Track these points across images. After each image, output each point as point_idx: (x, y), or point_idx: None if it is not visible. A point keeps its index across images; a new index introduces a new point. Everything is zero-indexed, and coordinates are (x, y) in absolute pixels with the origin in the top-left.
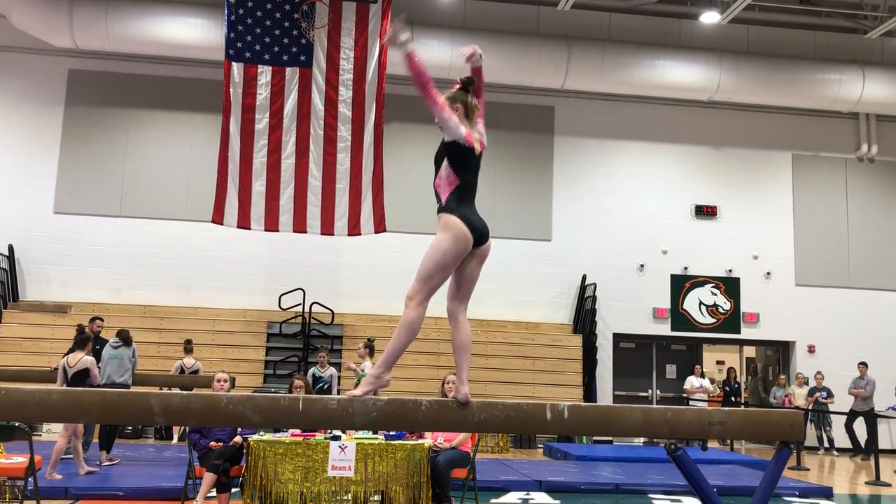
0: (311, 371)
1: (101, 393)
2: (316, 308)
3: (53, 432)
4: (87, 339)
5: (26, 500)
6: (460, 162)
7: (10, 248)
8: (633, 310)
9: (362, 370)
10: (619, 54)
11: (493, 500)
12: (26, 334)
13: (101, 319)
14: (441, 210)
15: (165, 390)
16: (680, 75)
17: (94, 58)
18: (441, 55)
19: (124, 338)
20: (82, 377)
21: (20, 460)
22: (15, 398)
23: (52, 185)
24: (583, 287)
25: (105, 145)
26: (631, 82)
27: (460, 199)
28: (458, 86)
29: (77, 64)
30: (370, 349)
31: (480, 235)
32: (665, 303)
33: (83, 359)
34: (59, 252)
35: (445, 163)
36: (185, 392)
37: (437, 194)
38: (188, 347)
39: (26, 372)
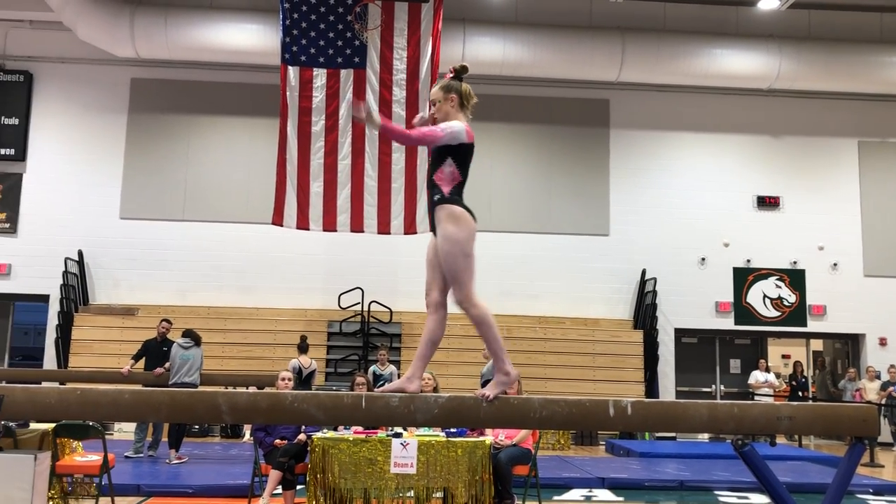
0: (371, 369)
1: (171, 393)
2: (374, 307)
3: (125, 431)
4: (308, 346)
5: (101, 497)
6: (464, 160)
7: (80, 254)
8: (694, 304)
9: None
10: (675, 44)
11: (555, 498)
12: (96, 336)
13: (169, 322)
14: (444, 201)
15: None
16: (738, 64)
17: (155, 66)
18: (493, 52)
19: (195, 338)
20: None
21: (95, 458)
22: (90, 398)
23: (117, 192)
24: (642, 282)
25: (167, 151)
26: (688, 72)
27: (460, 192)
28: (450, 74)
29: (139, 73)
30: None
31: None
32: (728, 296)
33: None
34: (125, 256)
35: (450, 161)
36: (251, 391)
37: (435, 186)
38: (303, 346)
39: (98, 373)
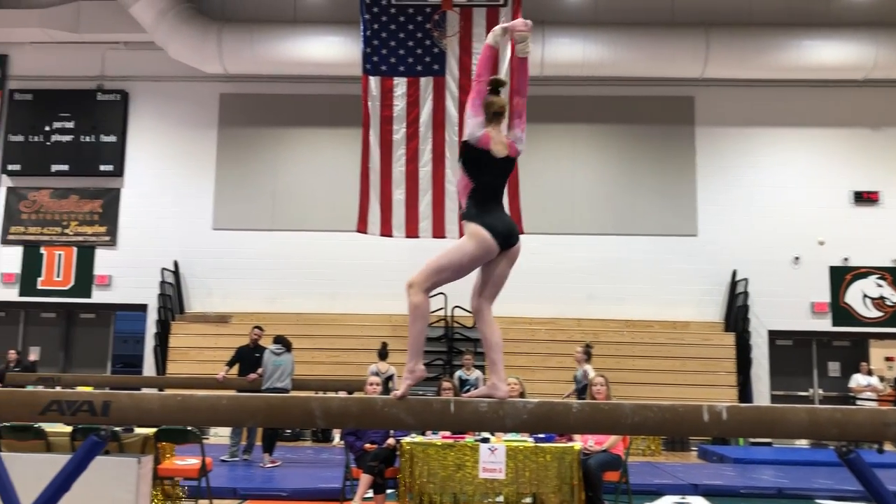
0: (457, 374)
1: (266, 398)
2: (458, 311)
3: (220, 436)
4: (387, 352)
5: (200, 500)
6: (474, 164)
7: (176, 264)
8: (789, 305)
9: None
10: (762, 37)
11: None
12: (192, 344)
13: (261, 328)
14: (464, 217)
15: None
16: (830, 55)
17: (242, 81)
18: (573, 53)
19: (286, 344)
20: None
21: (193, 462)
22: (189, 404)
23: (209, 204)
24: (733, 283)
25: (256, 163)
26: (776, 66)
27: (479, 204)
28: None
29: (227, 88)
30: (588, 354)
31: (506, 240)
32: (824, 296)
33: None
34: (218, 265)
35: (461, 165)
36: (342, 395)
37: (459, 198)
38: (382, 352)
39: (195, 379)
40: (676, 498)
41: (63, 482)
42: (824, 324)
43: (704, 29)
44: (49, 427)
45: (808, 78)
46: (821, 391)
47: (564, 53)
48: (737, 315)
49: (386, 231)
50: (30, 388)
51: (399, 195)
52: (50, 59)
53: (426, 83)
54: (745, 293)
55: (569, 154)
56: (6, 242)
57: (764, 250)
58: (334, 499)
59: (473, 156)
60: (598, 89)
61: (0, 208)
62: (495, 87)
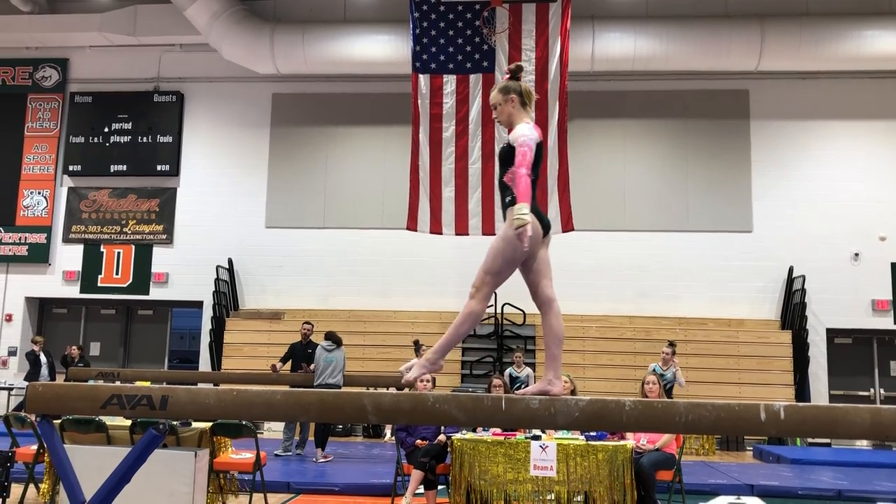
0: (507, 371)
1: (319, 393)
2: (507, 309)
3: (274, 430)
4: (420, 346)
5: (255, 493)
6: (536, 160)
7: (230, 262)
8: (848, 302)
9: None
10: (819, 28)
11: None
12: (246, 340)
13: (311, 324)
14: (515, 204)
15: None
16: (890, 45)
17: (294, 81)
18: (624, 48)
19: (336, 340)
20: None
21: (248, 456)
22: (244, 399)
23: (262, 202)
24: (790, 280)
25: (307, 162)
26: (834, 57)
27: (532, 194)
28: (506, 76)
29: (279, 88)
30: (675, 352)
31: (546, 227)
32: (886, 294)
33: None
34: (271, 263)
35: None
36: (393, 392)
37: (507, 188)
38: (417, 347)
39: (249, 375)
40: (731, 498)
41: (123, 474)
42: (886, 322)
43: (759, 20)
44: (110, 420)
45: (867, 69)
46: (882, 391)
47: (615, 48)
48: (793, 313)
49: (435, 228)
50: (91, 383)
51: (448, 193)
52: (108, 62)
53: (475, 80)
54: (803, 290)
55: (620, 150)
56: (68, 241)
57: (822, 247)
58: (386, 494)
59: (537, 153)
60: (650, 84)
61: (61, 208)
62: (515, 74)
